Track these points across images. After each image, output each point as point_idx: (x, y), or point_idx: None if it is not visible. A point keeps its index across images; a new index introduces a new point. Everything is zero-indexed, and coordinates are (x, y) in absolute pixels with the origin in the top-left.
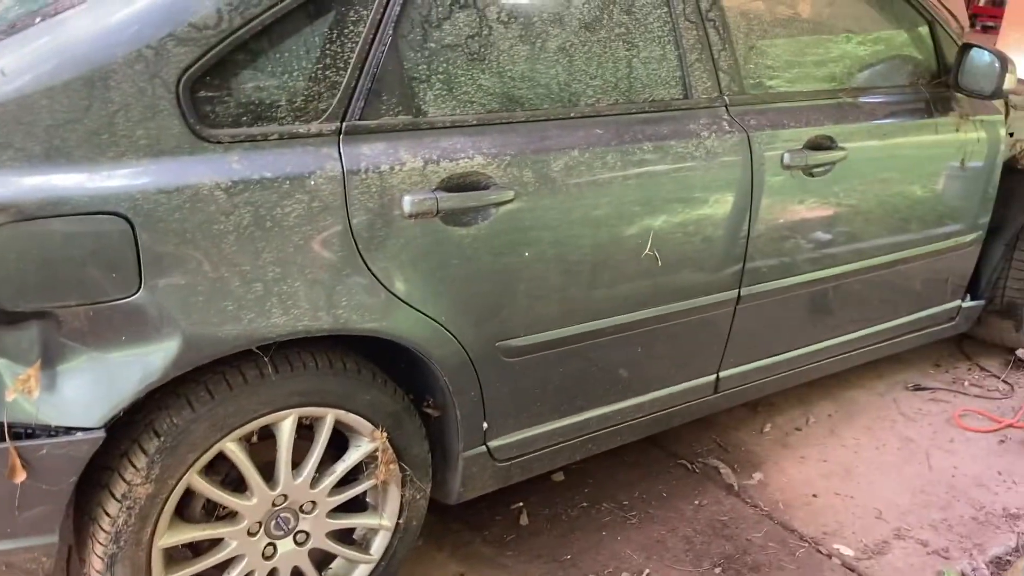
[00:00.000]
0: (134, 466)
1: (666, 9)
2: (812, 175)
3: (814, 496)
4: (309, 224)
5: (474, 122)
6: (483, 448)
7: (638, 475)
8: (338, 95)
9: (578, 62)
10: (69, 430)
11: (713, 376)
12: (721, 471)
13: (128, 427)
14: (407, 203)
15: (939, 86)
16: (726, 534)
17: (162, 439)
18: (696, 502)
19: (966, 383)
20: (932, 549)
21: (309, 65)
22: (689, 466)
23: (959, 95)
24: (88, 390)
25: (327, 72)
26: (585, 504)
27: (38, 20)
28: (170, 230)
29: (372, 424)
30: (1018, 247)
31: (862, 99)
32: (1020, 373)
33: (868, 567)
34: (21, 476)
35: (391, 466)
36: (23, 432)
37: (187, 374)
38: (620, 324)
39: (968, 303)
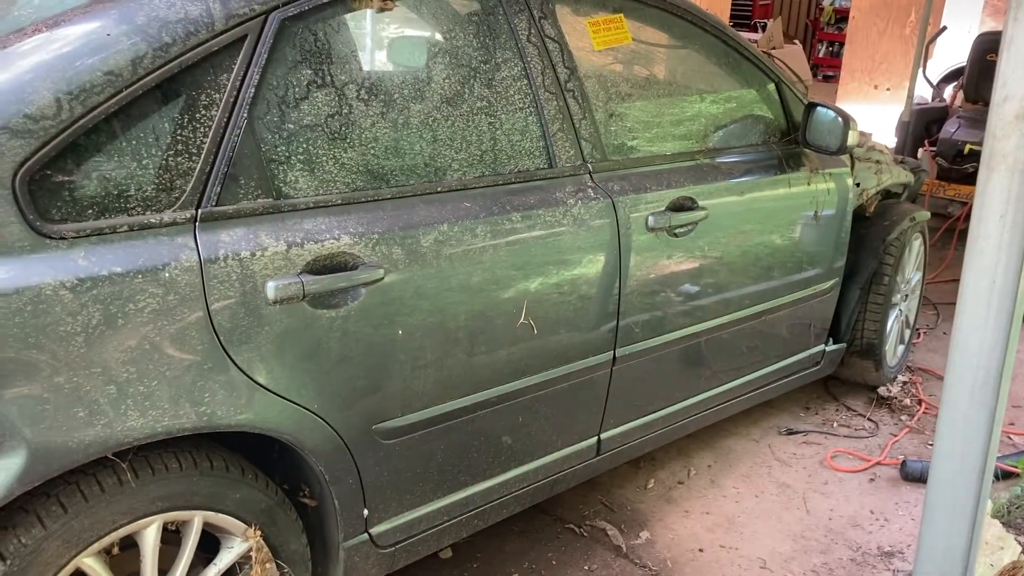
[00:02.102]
0: None
1: (526, 81)
2: (676, 235)
3: (700, 551)
4: (165, 319)
5: (339, 201)
6: (365, 536)
7: (527, 544)
8: (192, 181)
9: (442, 136)
10: None
11: (595, 438)
12: (608, 532)
13: None
14: (271, 289)
15: (789, 143)
16: None
17: (8, 563)
18: (586, 567)
19: (835, 424)
20: None
21: (159, 152)
22: (577, 530)
23: (808, 151)
24: None
25: (179, 158)
26: None
27: None
28: (10, 336)
29: (244, 523)
30: (872, 291)
31: (719, 159)
32: (883, 410)
33: None
34: None
35: (267, 565)
36: None
37: (35, 487)
38: (500, 395)
39: (831, 347)
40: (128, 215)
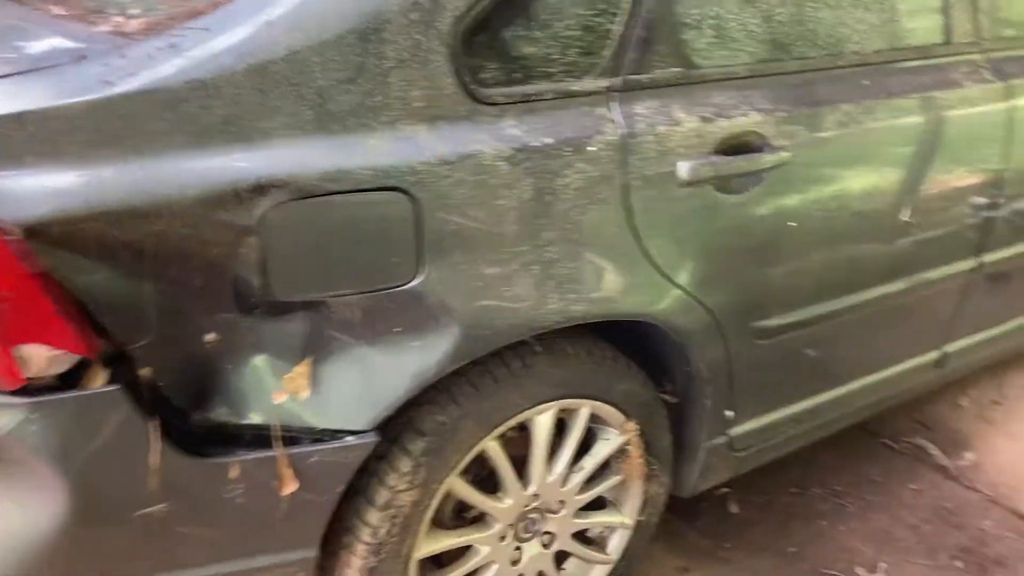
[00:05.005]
0: (398, 471)
1: None
2: None
3: None
4: (587, 197)
5: (745, 74)
6: (725, 438)
7: (842, 458)
8: (610, 45)
9: (842, 2)
10: (337, 434)
11: (938, 351)
12: (930, 451)
13: (387, 428)
14: (684, 169)
15: None
16: (955, 523)
17: (428, 440)
18: (912, 487)
19: None
20: None
21: (580, 9)
22: (894, 447)
23: None
24: (359, 389)
25: (599, 18)
26: (795, 490)
27: None
28: (453, 208)
29: (625, 416)
30: None
31: None
32: None
33: None
34: (292, 487)
35: (640, 459)
36: (286, 437)
37: None
38: (866, 300)
39: None
40: (551, 81)
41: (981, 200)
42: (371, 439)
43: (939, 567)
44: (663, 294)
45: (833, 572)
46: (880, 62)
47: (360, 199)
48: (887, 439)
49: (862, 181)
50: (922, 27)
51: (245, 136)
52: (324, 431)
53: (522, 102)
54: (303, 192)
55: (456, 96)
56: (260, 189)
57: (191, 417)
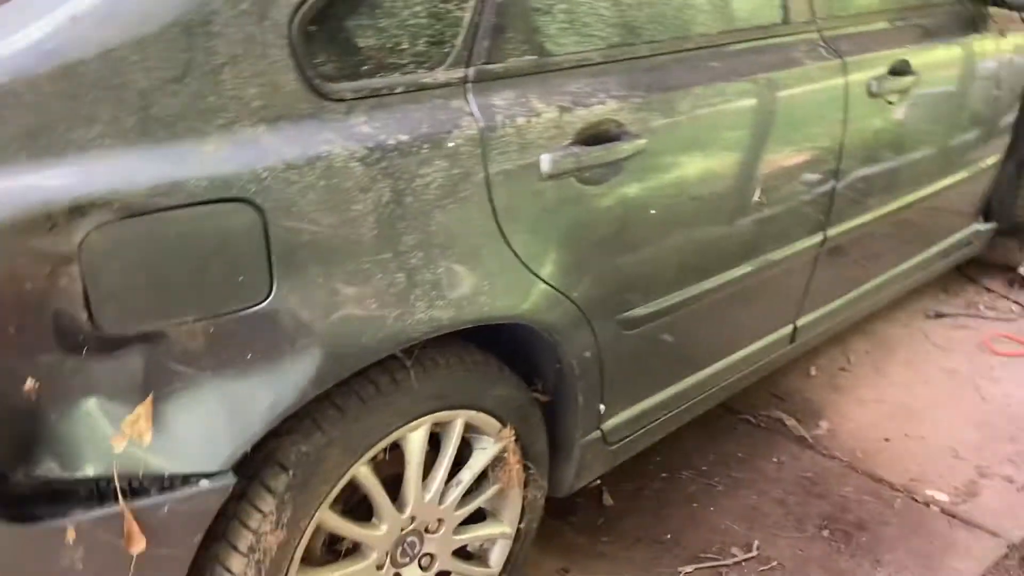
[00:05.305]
0: (261, 511)
1: None
2: (890, 102)
3: (887, 440)
4: (449, 196)
5: (598, 59)
6: (598, 432)
7: (706, 437)
8: (461, 33)
9: None
10: (189, 479)
11: (791, 326)
12: (787, 423)
13: (245, 465)
14: (546, 162)
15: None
16: (817, 492)
17: (293, 473)
18: (775, 460)
19: (980, 306)
20: (1020, 485)
21: None
22: (753, 421)
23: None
24: (211, 426)
25: (447, 5)
26: (664, 475)
27: None
28: (304, 216)
29: (500, 422)
30: None
31: (923, 18)
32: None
33: (967, 511)
34: (140, 545)
35: (518, 465)
36: (129, 488)
37: None
38: (726, 280)
39: (984, 226)
40: (402, 73)
41: (824, 175)
42: (229, 481)
43: (808, 538)
44: (534, 293)
45: (709, 555)
46: (726, 43)
47: (197, 213)
48: (746, 415)
49: (716, 164)
50: (762, 7)
51: (56, 150)
52: (174, 477)
53: (372, 97)
54: (129, 210)
55: (299, 93)
56: (78, 210)
57: (12, 477)
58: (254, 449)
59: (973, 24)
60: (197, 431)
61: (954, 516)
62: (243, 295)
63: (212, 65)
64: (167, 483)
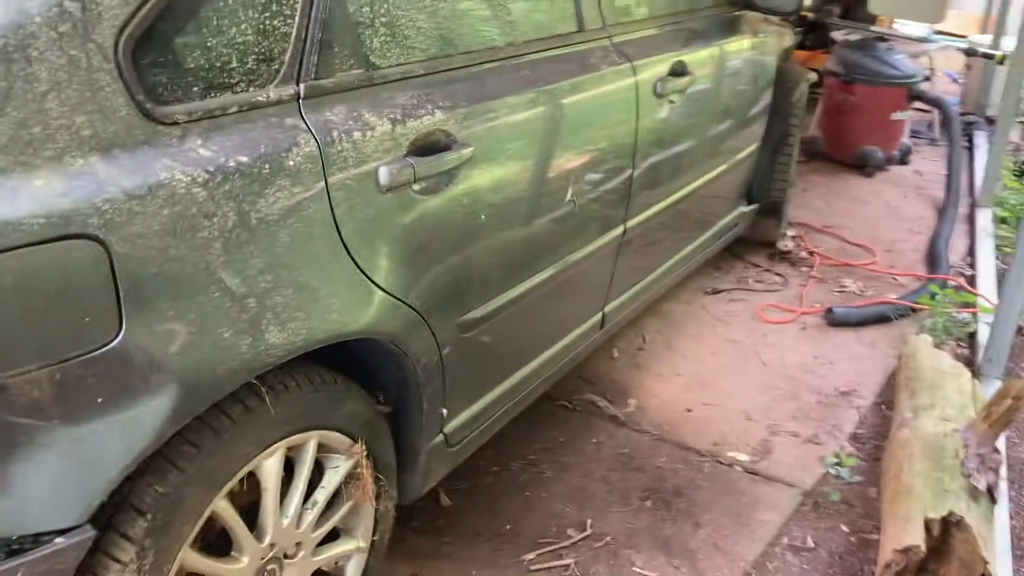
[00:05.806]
0: (119, 561)
1: None
2: (672, 102)
3: (688, 411)
4: (293, 216)
5: (421, 72)
6: (442, 436)
7: (529, 427)
8: (289, 50)
9: None
10: (42, 537)
11: (600, 313)
12: (599, 404)
13: (100, 515)
14: (384, 175)
15: (734, 4)
16: (635, 466)
17: (151, 517)
18: (594, 440)
19: (749, 280)
20: (805, 438)
21: (252, 12)
22: (569, 406)
23: (747, 12)
24: (62, 479)
25: (273, 21)
26: (495, 469)
27: None
28: (151, 247)
29: (351, 439)
30: (780, 151)
31: (695, 23)
32: (784, 265)
33: (766, 467)
34: None
35: (370, 480)
36: None
37: None
38: (547, 277)
39: (747, 208)
40: (233, 92)
41: (624, 172)
42: (87, 534)
43: (634, 510)
44: (379, 307)
45: (548, 540)
46: (532, 52)
47: (33, 254)
48: (562, 401)
49: (533, 168)
50: (560, 18)
51: None
52: (24, 538)
53: (206, 118)
54: None
55: (131, 118)
56: None
57: None
58: (109, 498)
59: (732, 26)
60: (46, 485)
61: (755, 473)
62: (90, 336)
63: (34, 93)
64: (18, 545)
